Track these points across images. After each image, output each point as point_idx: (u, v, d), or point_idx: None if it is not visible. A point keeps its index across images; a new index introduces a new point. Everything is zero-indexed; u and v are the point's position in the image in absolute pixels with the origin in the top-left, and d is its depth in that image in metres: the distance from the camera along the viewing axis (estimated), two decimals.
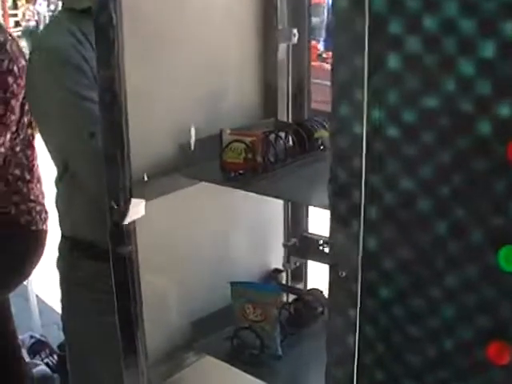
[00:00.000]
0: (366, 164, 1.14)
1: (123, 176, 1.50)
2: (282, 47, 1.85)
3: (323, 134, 1.59)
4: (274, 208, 1.99)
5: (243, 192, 1.61)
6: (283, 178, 1.58)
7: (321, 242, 1.97)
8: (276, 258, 2.02)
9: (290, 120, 1.91)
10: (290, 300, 1.91)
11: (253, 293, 1.70)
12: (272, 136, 1.63)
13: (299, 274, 2.07)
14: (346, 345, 1.23)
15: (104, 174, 1.51)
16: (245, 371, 1.68)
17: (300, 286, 2.07)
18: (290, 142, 1.73)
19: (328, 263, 1.24)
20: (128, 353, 1.60)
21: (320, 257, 1.98)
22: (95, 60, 1.47)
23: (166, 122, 1.62)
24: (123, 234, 1.52)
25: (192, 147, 1.65)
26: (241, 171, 1.58)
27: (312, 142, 1.71)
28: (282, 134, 1.65)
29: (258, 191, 1.57)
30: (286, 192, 1.59)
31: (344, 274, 1.21)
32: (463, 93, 1.02)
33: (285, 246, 2.02)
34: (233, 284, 1.74)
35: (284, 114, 1.91)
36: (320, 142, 1.72)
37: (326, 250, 1.95)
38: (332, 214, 1.21)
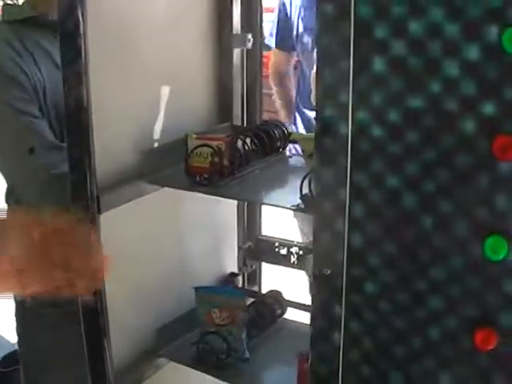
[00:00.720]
0: (351, 163, 1.19)
1: (90, 183, 1.50)
2: (237, 52, 1.89)
3: (297, 135, 1.62)
4: (229, 212, 2.02)
5: (202, 197, 1.63)
6: (249, 181, 1.61)
7: (276, 244, 2.01)
8: (232, 262, 2.05)
9: (245, 125, 1.95)
10: (248, 303, 1.92)
11: (218, 297, 1.72)
12: (237, 140, 1.66)
13: (254, 277, 2.09)
14: (332, 341, 1.27)
15: (68, 182, 1.50)
16: (213, 376, 1.69)
17: (255, 288, 2.10)
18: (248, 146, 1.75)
19: (308, 269, 1.28)
20: (95, 362, 1.60)
21: (276, 259, 2.01)
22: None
23: (127, 128, 1.63)
24: None
25: (155, 153, 1.67)
26: (206, 175, 1.60)
27: (272, 144, 1.76)
28: (246, 138, 1.69)
29: (225, 195, 1.60)
30: (254, 194, 1.62)
31: (329, 271, 1.25)
32: (448, 93, 1.08)
33: (240, 249, 2.04)
34: (197, 289, 1.75)
35: (238, 119, 1.94)
36: (280, 144, 1.78)
37: (282, 252, 1.99)
38: (316, 213, 1.25)
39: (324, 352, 1.28)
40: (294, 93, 2.63)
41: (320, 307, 1.27)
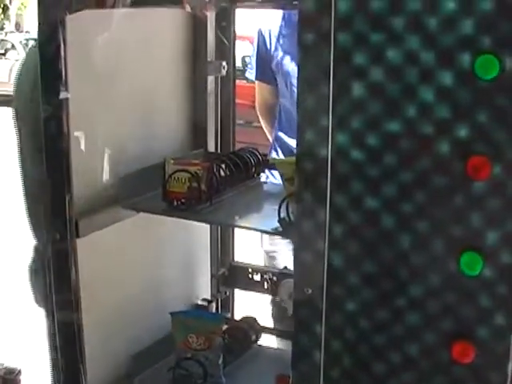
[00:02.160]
0: (331, 185, 1.24)
1: (69, 208, 1.54)
2: (211, 79, 1.94)
3: (276, 160, 1.67)
4: (202, 238, 2.05)
5: (177, 223, 1.68)
6: (226, 206, 1.66)
7: (250, 270, 2.04)
8: (205, 288, 2.07)
9: (219, 151, 1.99)
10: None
11: (195, 322, 1.75)
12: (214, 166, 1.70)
13: (227, 303, 2.12)
14: (313, 360, 1.31)
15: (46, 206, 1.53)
16: None
17: (228, 314, 2.12)
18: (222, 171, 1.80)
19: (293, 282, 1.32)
20: None
21: (249, 285, 2.05)
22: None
23: (105, 153, 1.68)
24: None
25: (132, 178, 1.70)
26: (183, 200, 1.63)
27: (248, 170, 1.82)
28: (222, 164, 1.74)
29: (204, 220, 1.65)
30: (233, 219, 1.66)
31: (310, 291, 1.29)
32: (424, 117, 1.16)
33: (214, 276, 2.07)
34: (173, 314, 1.78)
35: (212, 146, 1.98)
36: (255, 170, 1.83)
37: (256, 278, 2.03)
38: (296, 234, 1.29)
39: (305, 371, 1.32)
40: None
41: (301, 327, 1.31)
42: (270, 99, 2.65)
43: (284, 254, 2.45)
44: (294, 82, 2.35)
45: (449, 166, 1.15)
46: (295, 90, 2.30)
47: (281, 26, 2.50)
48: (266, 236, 2.45)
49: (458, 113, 1.12)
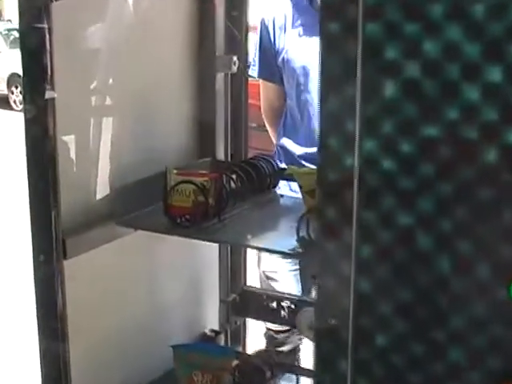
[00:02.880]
0: (358, 199, 1.22)
1: (56, 225, 1.53)
2: (220, 77, 1.93)
3: (294, 170, 1.66)
4: (210, 259, 2.04)
5: (181, 242, 1.66)
6: (237, 223, 1.66)
7: (264, 296, 2.01)
8: (213, 316, 2.07)
9: (230, 160, 1.99)
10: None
11: (200, 357, 1.74)
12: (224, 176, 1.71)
13: (238, 335, 2.11)
14: None
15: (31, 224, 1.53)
16: None
17: (239, 348, 2.11)
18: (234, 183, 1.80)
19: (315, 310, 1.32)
20: None
21: (264, 314, 2.03)
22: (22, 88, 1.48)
23: (98, 162, 1.67)
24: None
25: (129, 190, 1.71)
26: (188, 216, 1.62)
27: (262, 181, 1.81)
28: (233, 175, 1.75)
29: (211, 239, 1.64)
30: (244, 238, 1.65)
31: (334, 321, 1.27)
32: (467, 120, 1.13)
33: (223, 302, 2.06)
34: (175, 347, 1.76)
35: (221, 153, 1.98)
36: (270, 181, 1.82)
37: (271, 305, 2.00)
38: (318, 256, 1.28)
39: None
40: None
41: (323, 363, 1.29)
42: (276, 101, 2.61)
43: (285, 276, 2.43)
44: (302, 80, 2.37)
45: (496, 176, 1.13)
46: (304, 89, 2.32)
47: (285, 15, 2.46)
48: (264, 254, 2.42)
49: (508, 114, 1.10)
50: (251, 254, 2.31)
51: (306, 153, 2.35)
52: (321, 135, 1.23)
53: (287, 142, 2.47)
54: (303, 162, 2.33)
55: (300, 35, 2.40)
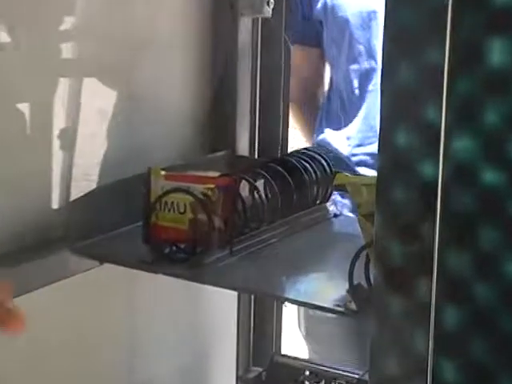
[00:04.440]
0: (441, 230, 1.13)
1: None
2: (246, 25, 1.86)
3: (344, 177, 1.57)
4: (223, 311, 2.01)
5: (178, 283, 1.61)
6: (261, 258, 1.62)
7: (306, 372, 1.96)
8: None
9: (257, 156, 1.95)
10: None
11: None
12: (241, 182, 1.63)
13: None
14: None
15: None
16: None
17: None
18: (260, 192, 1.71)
19: None
20: None
21: None
22: None
23: (41, 159, 1.63)
24: None
25: (91, 204, 1.65)
26: (181, 243, 1.57)
27: (305, 192, 1.74)
28: (259, 179, 1.67)
29: (218, 282, 1.57)
30: (270, 283, 1.58)
31: None
32: None
33: (241, 379, 2.00)
34: None
35: (245, 146, 1.92)
36: (319, 191, 1.75)
37: None
38: (377, 318, 1.21)
39: None
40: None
41: None
42: (312, 74, 2.56)
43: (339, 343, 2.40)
44: (360, 37, 2.31)
45: None
46: (362, 52, 2.23)
47: None
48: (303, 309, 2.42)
49: None
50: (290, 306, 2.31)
51: (364, 153, 2.33)
52: (382, 127, 1.15)
53: (332, 137, 2.40)
54: (357, 169, 2.31)
55: None
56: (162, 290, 1.82)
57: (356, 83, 2.37)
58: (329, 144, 2.42)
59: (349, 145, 2.38)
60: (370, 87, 2.33)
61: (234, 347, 2.00)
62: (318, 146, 2.43)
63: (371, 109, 2.34)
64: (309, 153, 1.79)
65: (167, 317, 1.89)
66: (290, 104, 2.57)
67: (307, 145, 2.54)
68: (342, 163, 2.34)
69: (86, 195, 1.65)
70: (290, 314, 2.50)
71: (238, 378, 2.00)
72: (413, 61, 1.12)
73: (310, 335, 2.51)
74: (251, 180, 1.64)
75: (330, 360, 2.24)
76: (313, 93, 2.59)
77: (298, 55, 2.48)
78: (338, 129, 2.44)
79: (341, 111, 2.44)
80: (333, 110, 2.46)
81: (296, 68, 2.48)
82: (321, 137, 2.46)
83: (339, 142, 2.41)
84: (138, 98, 1.77)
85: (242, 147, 1.91)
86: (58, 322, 1.66)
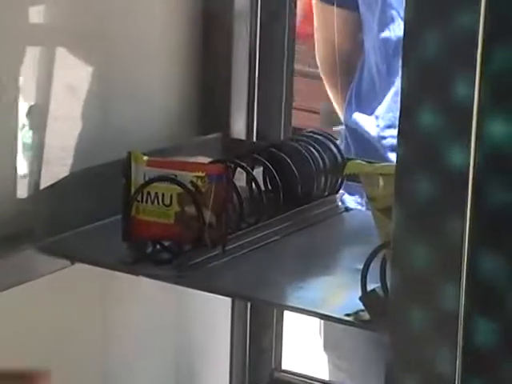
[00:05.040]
0: (471, 229, 1.11)
1: None
2: None
3: (356, 165, 1.55)
4: (215, 319, 1.99)
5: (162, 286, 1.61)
6: (258, 259, 1.61)
7: None
8: None
9: (255, 139, 1.93)
10: None
11: None
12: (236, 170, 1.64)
13: None
14: None
15: None
16: None
17: None
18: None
19: None
20: None
21: None
22: None
23: (9, 145, 1.62)
24: None
25: (62, 194, 1.63)
26: (166, 241, 1.55)
27: (311, 181, 1.71)
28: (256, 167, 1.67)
29: (205, 287, 1.56)
30: (269, 289, 1.55)
31: None
32: None
33: None
34: None
35: (241, 128, 1.90)
36: (327, 181, 1.73)
37: None
38: (394, 331, 1.20)
39: None
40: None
41: None
42: (346, 42, 2.55)
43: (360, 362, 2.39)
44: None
45: None
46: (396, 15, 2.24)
47: None
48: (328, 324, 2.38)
49: None
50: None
51: (394, 136, 2.26)
52: (403, 106, 1.14)
53: (362, 118, 2.39)
54: (389, 156, 2.27)
55: None
56: (142, 294, 1.82)
57: (386, 54, 2.36)
58: (357, 124, 2.41)
59: (377, 125, 2.36)
60: None
61: (227, 362, 2.00)
62: (346, 127, 2.46)
63: None
64: (316, 137, 1.77)
65: (148, 326, 1.89)
66: (324, 76, 2.57)
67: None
68: (371, 148, 2.35)
69: (55, 183, 1.64)
70: (295, 322, 2.46)
71: None
72: (440, 27, 1.10)
73: (331, 346, 2.50)
74: (248, 168, 1.63)
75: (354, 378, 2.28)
76: (348, 62, 2.57)
77: (329, 17, 2.50)
78: (367, 107, 2.43)
79: (374, 89, 2.43)
80: (364, 86, 2.47)
81: (327, 33, 2.52)
82: (353, 117, 2.45)
83: (369, 123, 2.40)
84: (116, 71, 1.77)
85: (238, 129, 1.91)
86: (23, 328, 1.65)
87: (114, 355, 1.85)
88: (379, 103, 2.36)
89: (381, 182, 1.41)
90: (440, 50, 1.11)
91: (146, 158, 1.55)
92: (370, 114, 2.38)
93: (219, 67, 1.89)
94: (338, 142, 1.83)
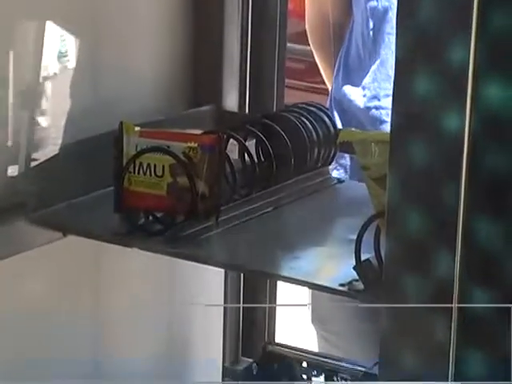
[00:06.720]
0: (467, 196, 1.11)
1: None
2: None
3: (349, 133, 1.55)
4: (208, 291, 1.99)
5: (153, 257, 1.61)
6: (251, 230, 1.62)
7: (304, 363, 1.95)
8: None
9: (247, 111, 1.92)
10: None
11: None
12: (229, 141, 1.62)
13: None
14: None
15: None
16: None
17: None
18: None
19: None
20: None
21: None
22: None
23: None
24: None
25: (52, 166, 1.64)
26: (158, 213, 1.56)
27: (303, 153, 1.71)
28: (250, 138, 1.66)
29: (197, 257, 1.54)
30: (262, 259, 1.55)
31: None
32: None
33: (229, 371, 1.98)
34: None
35: (233, 100, 1.91)
36: (320, 152, 1.73)
37: (315, 379, 1.97)
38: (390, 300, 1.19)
39: None
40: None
41: None
42: (336, 13, 2.53)
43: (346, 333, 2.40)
44: None
45: None
46: None
47: None
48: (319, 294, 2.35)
49: None
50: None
51: (378, 107, 2.30)
52: (397, 71, 1.14)
53: (350, 89, 2.38)
54: (383, 128, 2.24)
55: None
56: (134, 265, 1.82)
57: (374, 24, 2.34)
58: (345, 96, 2.40)
59: (364, 95, 2.36)
60: (388, 29, 2.31)
61: (220, 334, 2.00)
62: (334, 99, 2.45)
63: (390, 55, 2.31)
64: (309, 108, 1.77)
65: (141, 296, 1.89)
66: (314, 49, 2.56)
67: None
68: (360, 118, 2.34)
69: (46, 155, 1.64)
70: (288, 295, 2.49)
71: (224, 370, 2.00)
72: None
73: (319, 319, 2.49)
74: (241, 139, 1.63)
75: (341, 350, 2.26)
76: (339, 34, 2.56)
77: None
78: (355, 78, 2.41)
79: (357, 57, 2.41)
80: (352, 59, 2.44)
81: (318, 4, 2.53)
82: (342, 89, 2.43)
83: (356, 94, 2.39)
84: (104, 40, 1.76)
85: (230, 101, 1.91)
86: (14, 300, 1.64)
87: (107, 327, 1.84)
88: (366, 74, 2.35)
89: (375, 150, 1.40)
90: (434, 13, 1.09)
91: (137, 128, 1.55)
92: (358, 85, 2.37)
93: (211, 39, 1.88)
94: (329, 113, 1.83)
